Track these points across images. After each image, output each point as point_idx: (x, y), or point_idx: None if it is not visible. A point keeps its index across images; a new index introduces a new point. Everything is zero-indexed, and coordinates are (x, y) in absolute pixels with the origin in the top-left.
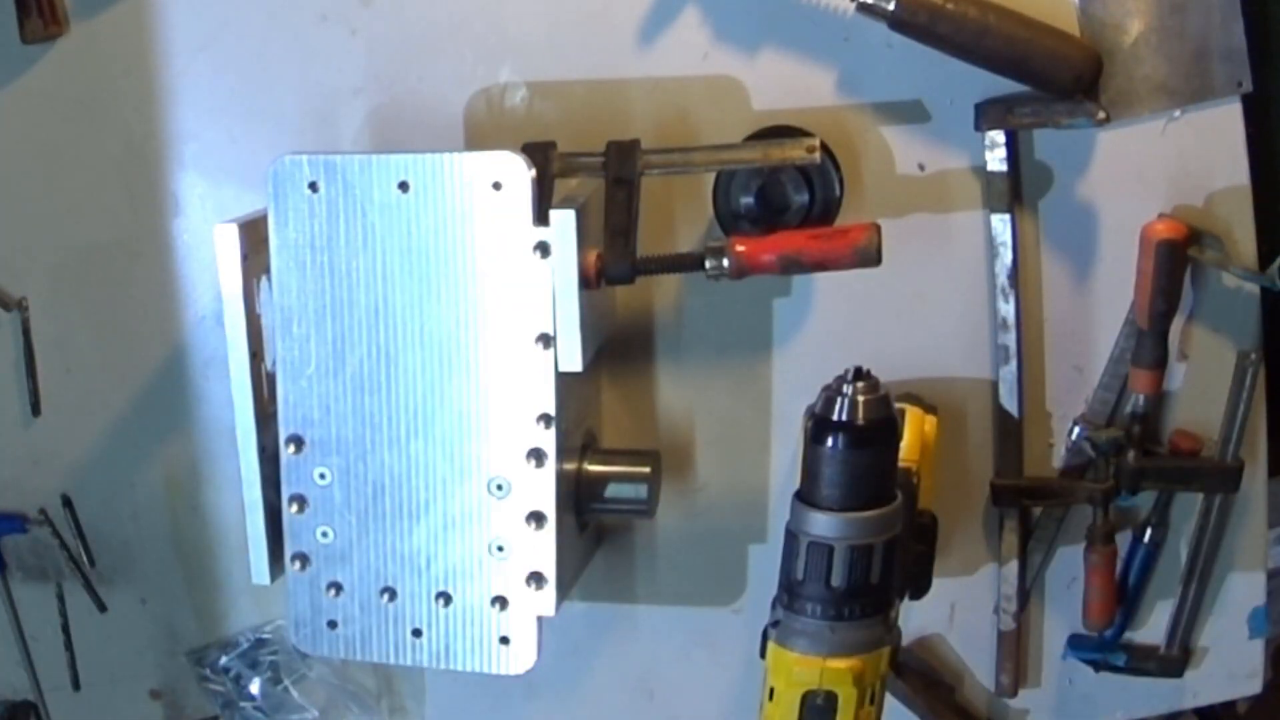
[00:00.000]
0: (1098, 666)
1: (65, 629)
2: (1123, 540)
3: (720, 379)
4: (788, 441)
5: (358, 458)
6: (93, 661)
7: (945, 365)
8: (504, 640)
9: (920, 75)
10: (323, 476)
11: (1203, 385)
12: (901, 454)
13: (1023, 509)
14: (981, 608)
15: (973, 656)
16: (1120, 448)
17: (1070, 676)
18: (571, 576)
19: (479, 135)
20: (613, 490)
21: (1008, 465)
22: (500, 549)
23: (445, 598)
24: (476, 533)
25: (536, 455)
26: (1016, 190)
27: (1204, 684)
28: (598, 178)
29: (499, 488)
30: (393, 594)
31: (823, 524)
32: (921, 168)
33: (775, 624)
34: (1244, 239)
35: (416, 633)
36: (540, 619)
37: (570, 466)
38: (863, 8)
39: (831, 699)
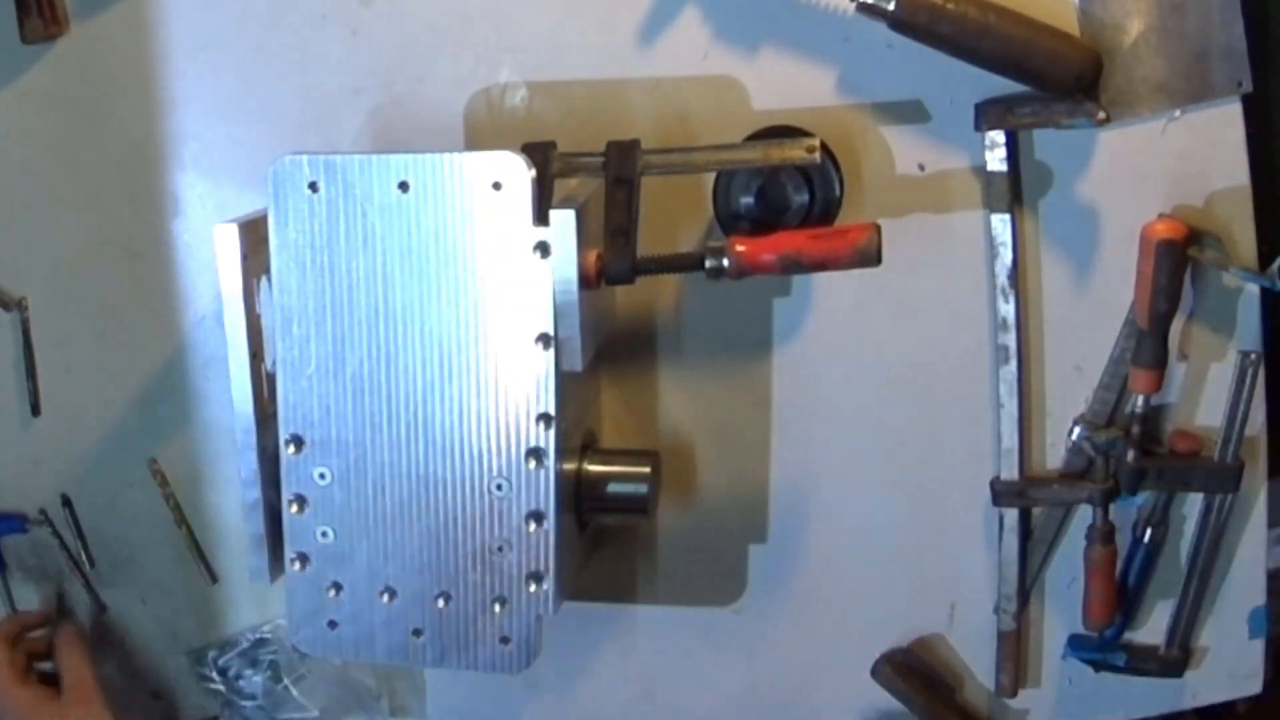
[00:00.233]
0: (1098, 666)
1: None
2: (1122, 540)
3: (720, 379)
4: (788, 441)
5: (358, 458)
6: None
7: (945, 365)
8: (504, 640)
9: (920, 75)
10: (323, 476)
11: (1203, 385)
12: None
13: (1023, 509)
14: (981, 608)
15: (973, 656)
16: (1120, 448)
17: (1070, 676)
18: (571, 576)
19: (479, 135)
20: (613, 490)
21: (1007, 465)
22: (500, 549)
23: (445, 597)
24: (476, 533)
25: (536, 455)
26: (1016, 190)
27: (1204, 684)
28: (598, 178)
29: (499, 488)
30: (393, 594)
31: None
32: (921, 168)
33: None
34: (1244, 239)
35: (416, 633)
36: (540, 619)
37: (570, 466)
38: (863, 8)
39: None
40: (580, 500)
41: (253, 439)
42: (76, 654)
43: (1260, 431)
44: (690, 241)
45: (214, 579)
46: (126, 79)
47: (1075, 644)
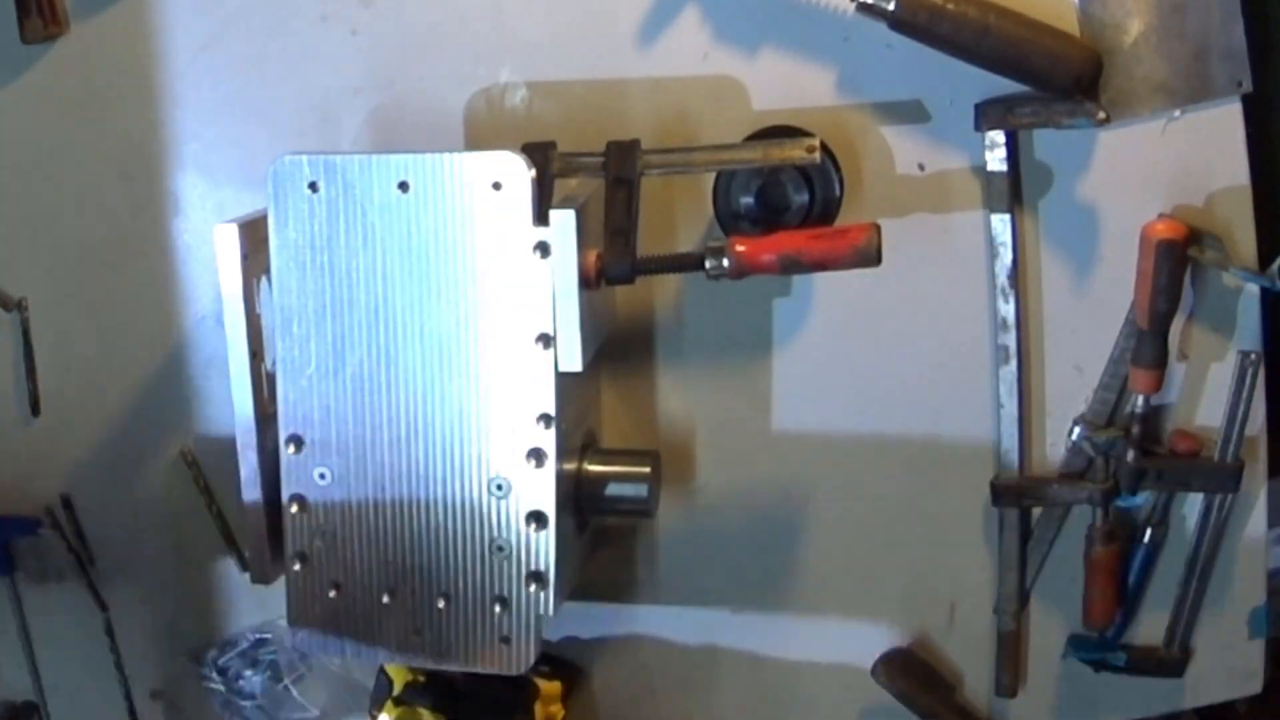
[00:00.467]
0: (1098, 666)
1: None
2: (1122, 540)
3: (720, 379)
4: (787, 441)
5: (358, 457)
6: (93, 661)
7: (945, 365)
8: (504, 640)
9: (920, 75)
10: (323, 476)
11: (1203, 385)
12: None
13: (1023, 509)
14: (981, 608)
15: (973, 656)
16: (1120, 448)
17: (1070, 676)
18: (572, 576)
19: (479, 135)
20: (613, 490)
21: (1007, 465)
22: (500, 549)
23: (445, 597)
24: (477, 532)
25: (536, 455)
26: (1016, 190)
27: (1204, 684)
28: (598, 178)
29: (499, 488)
30: (393, 593)
31: None
32: (921, 168)
33: None
34: (1244, 239)
35: (416, 632)
36: (540, 619)
37: (570, 467)
38: (863, 8)
39: None
40: (580, 500)
41: (253, 439)
42: None
43: (1260, 431)
44: (690, 240)
45: (245, 568)
46: (126, 79)
47: (1075, 644)
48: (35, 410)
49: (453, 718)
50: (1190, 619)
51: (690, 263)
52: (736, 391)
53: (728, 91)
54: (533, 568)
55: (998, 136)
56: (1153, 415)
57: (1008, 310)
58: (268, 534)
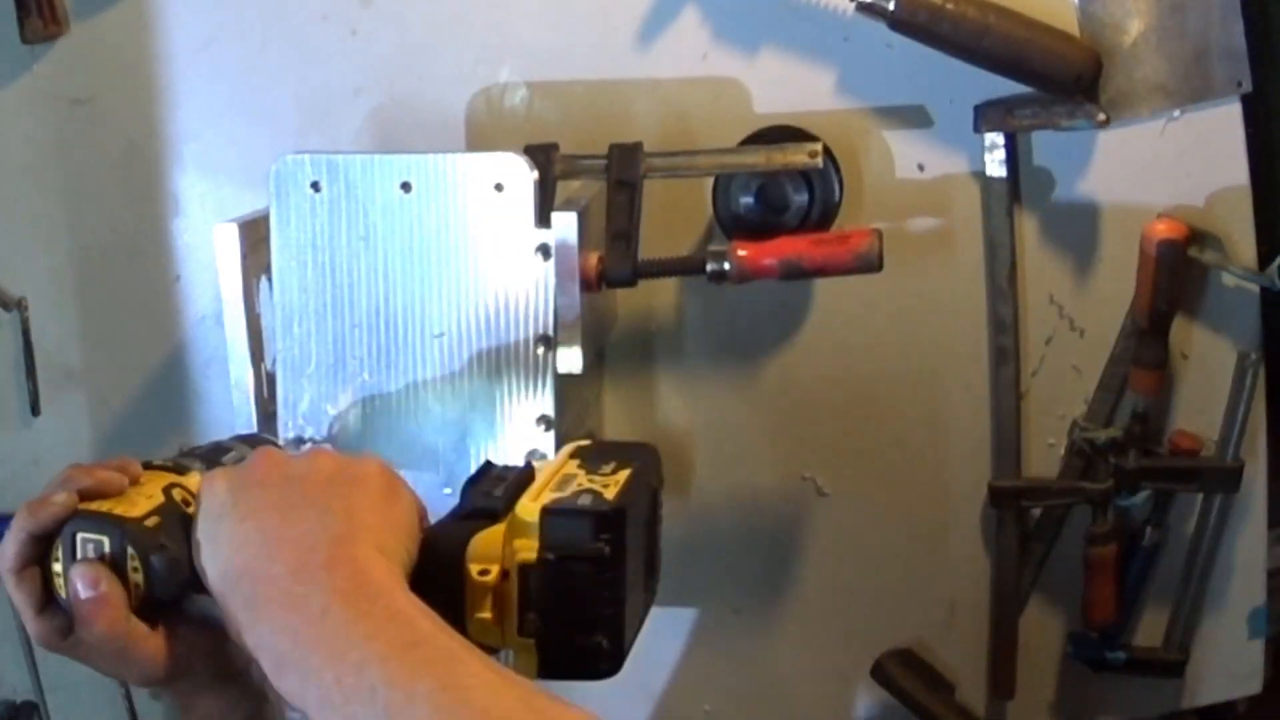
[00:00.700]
0: (1097, 666)
1: None
2: (1122, 540)
3: (720, 380)
4: (787, 442)
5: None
6: None
7: (944, 366)
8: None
9: (920, 76)
10: None
11: (1203, 385)
12: None
13: (1022, 509)
14: (981, 608)
15: (972, 656)
16: (1120, 448)
17: (1070, 676)
18: None
19: (479, 135)
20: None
21: (1006, 467)
22: None
23: None
24: None
25: (536, 458)
26: (1016, 192)
27: (1204, 684)
28: (600, 180)
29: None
30: None
31: None
32: (921, 169)
33: None
34: (1244, 239)
35: None
36: (530, 454)
37: None
38: (863, 8)
39: None
40: None
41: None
42: None
43: (1260, 431)
44: (689, 239)
45: None
46: (126, 79)
47: (1075, 644)
48: (35, 410)
49: None
50: (1190, 619)
51: (692, 266)
52: (736, 393)
53: (727, 92)
54: None
55: (997, 138)
56: (1153, 415)
57: (1006, 312)
58: None
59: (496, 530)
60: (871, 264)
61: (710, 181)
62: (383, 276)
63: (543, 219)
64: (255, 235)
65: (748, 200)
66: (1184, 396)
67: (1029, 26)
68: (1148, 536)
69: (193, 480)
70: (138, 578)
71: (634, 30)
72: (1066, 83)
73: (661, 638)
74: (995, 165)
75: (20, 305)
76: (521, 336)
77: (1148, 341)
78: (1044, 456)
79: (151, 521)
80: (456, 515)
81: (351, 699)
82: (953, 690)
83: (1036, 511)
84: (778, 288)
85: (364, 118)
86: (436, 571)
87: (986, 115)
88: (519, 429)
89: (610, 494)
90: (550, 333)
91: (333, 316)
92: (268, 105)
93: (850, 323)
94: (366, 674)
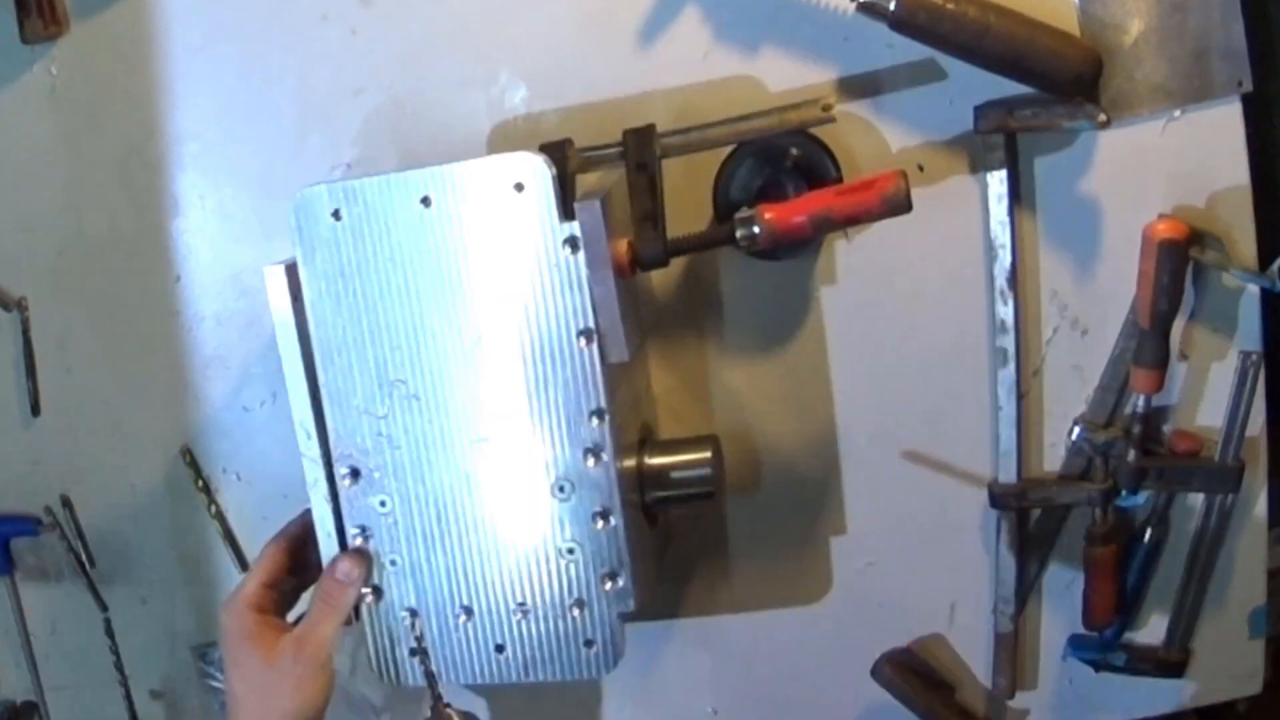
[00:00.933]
0: (1098, 666)
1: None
2: (1122, 540)
3: (720, 381)
4: (786, 443)
5: (415, 480)
6: (93, 661)
7: (944, 367)
8: (588, 643)
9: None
10: (383, 504)
11: (1203, 385)
12: None
13: (1022, 509)
14: (981, 608)
15: (973, 657)
16: (1120, 448)
17: (1070, 676)
18: (647, 570)
19: (479, 135)
20: (677, 478)
21: (1005, 468)
22: (571, 551)
23: (522, 609)
24: (545, 538)
25: (594, 452)
26: (1016, 192)
27: (1204, 684)
28: (617, 168)
29: (561, 490)
30: (469, 612)
31: None
32: (921, 169)
33: None
34: (1244, 239)
35: (499, 648)
36: (622, 616)
37: (630, 463)
38: (863, 8)
39: None
40: (645, 494)
41: (323, 483)
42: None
43: (1260, 431)
44: None
45: (244, 567)
46: (126, 79)
47: (1075, 644)
48: (35, 410)
49: None
50: (1190, 619)
51: (722, 237)
52: (731, 397)
53: (727, 92)
54: (606, 566)
55: (997, 138)
56: (1153, 415)
57: (1006, 313)
58: None
59: None
60: (901, 205)
61: (711, 183)
62: (415, 294)
63: (566, 212)
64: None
65: (749, 201)
66: (1184, 396)
67: (1029, 26)
68: (1148, 536)
69: None
70: None
71: (634, 30)
72: (1067, 83)
73: (662, 638)
74: (995, 165)
75: (20, 305)
76: (562, 333)
77: (1148, 341)
78: (1044, 456)
79: None
80: None
81: None
82: (953, 690)
83: (1036, 511)
84: (777, 287)
85: (364, 118)
86: None
87: (986, 115)
88: (574, 426)
89: None
90: (590, 325)
91: (372, 342)
92: (268, 105)
93: (849, 323)
94: None
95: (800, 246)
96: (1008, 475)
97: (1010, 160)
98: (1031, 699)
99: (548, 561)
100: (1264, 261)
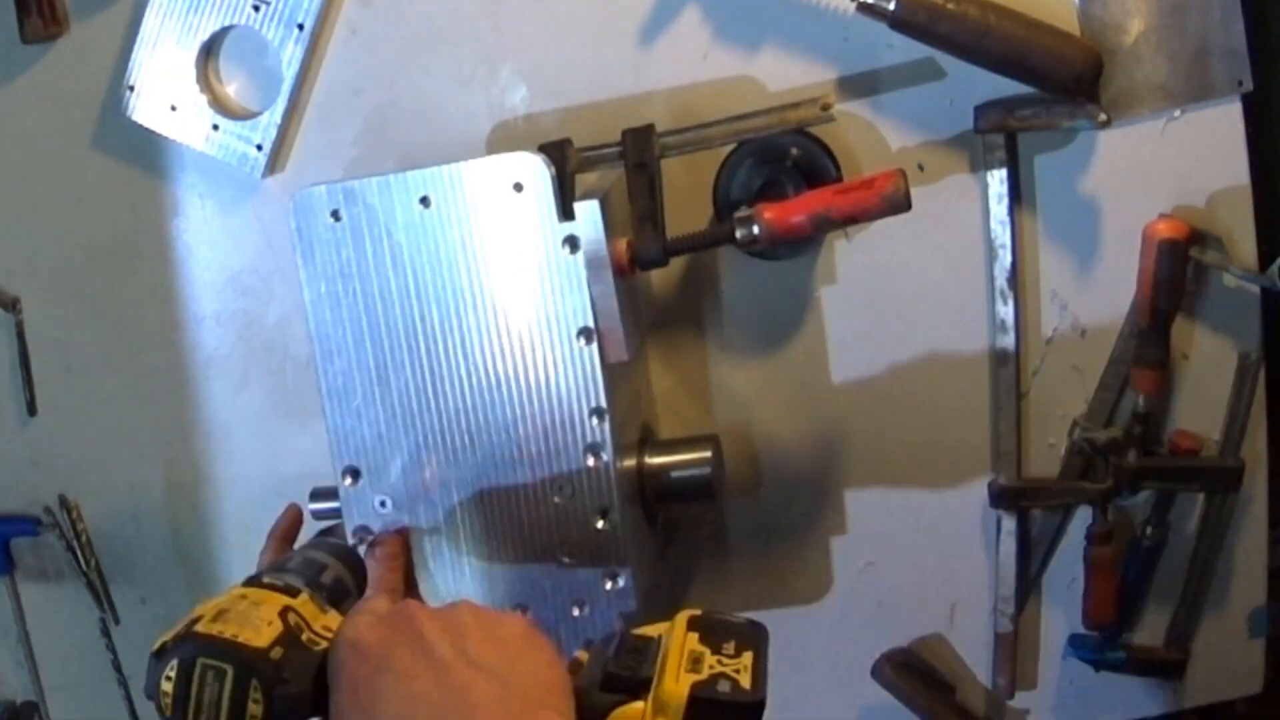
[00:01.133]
0: (1098, 666)
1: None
2: (1122, 540)
3: (719, 382)
4: (786, 443)
5: (416, 480)
6: (93, 661)
7: (944, 366)
8: (589, 642)
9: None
10: (384, 504)
11: (1203, 385)
12: None
13: (1022, 509)
14: (981, 608)
15: (973, 657)
16: (1120, 448)
17: (1070, 676)
18: (649, 571)
19: (479, 135)
20: (676, 478)
21: (1006, 467)
22: (571, 550)
23: (523, 608)
24: (545, 537)
25: (594, 451)
26: (1016, 192)
27: (1204, 684)
28: (616, 168)
29: (561, 489)
30: None
31: None
32: (921, 169)
33: None
34: (1244, 239)
35: None
36: (623, 615)
37: (630, 462)
38: (863, 8)
39: None
40: (646, 494)
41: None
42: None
43: (1260, 431)
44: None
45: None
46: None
47: (1075, 644)
48: (32, 410)
49: None
50: (1190, 619)
51: (721, 236)
52: (730, 396)
53: (727, 92)
54: (607, 565)
55: (997, 138)
56: (1153, 415)
57: (1006, 313)
58: None
59: (636, 707)
60: (900, 204)
61: (710, 182)
62: (415, 295)
63: (566, 212)
64: None
65: (748, 200)
66: (1184, 396)
67: (1029, 26)
68: (1148, 536)
69: (304, 605)
70: (256, 710)
71: (634, 30)
72: (1067, 83)
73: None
74: (995, 165)
75: (15, 305)
76: (562, 332)
77: (1148, 341)
78: (1044, 456)
79: (276, 653)
80: (593, 683)
81: None
82: (953, 690)
83: (1036, 511)
84: (777, 288)
85: (364, 118)
86: None
87: (986, 115)
88: (574, 426)
89: (745, 680)
90: (590, 324)
91: (371, 343)
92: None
93: (849, 323)
94: None
95: (800, 246)
96: (1008, 475)
97: (1010, 160)
98: (1031, 699)
99: (549, 561)
100: (1264, 261)
